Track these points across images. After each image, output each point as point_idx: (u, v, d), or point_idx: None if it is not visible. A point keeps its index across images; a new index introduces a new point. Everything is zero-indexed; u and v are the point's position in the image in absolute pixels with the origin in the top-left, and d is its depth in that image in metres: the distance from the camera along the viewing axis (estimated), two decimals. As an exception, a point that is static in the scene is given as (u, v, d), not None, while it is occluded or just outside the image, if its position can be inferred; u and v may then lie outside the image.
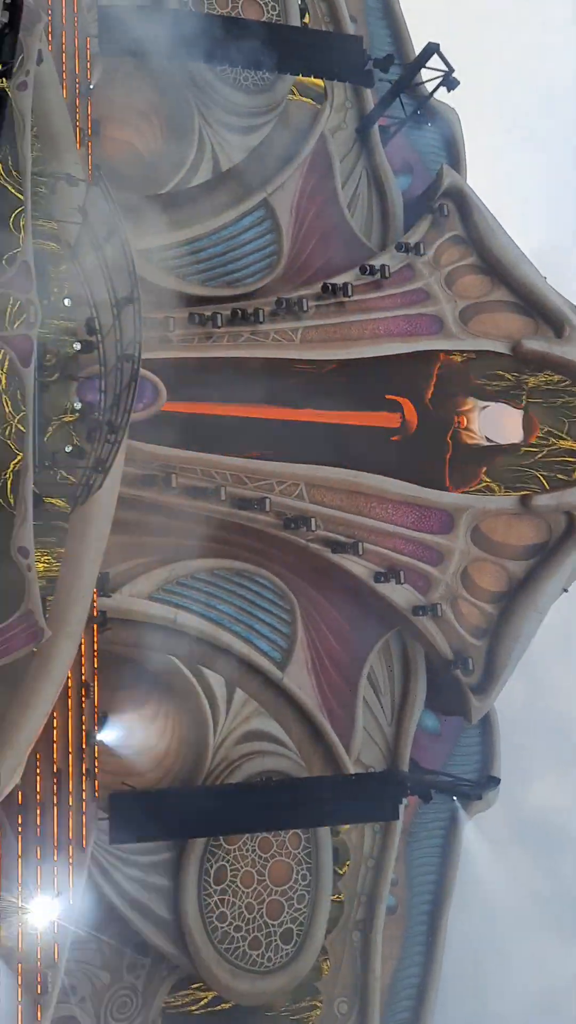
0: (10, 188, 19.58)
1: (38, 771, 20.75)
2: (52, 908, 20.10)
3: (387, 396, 27.39)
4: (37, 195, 20.50)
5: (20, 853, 19.89)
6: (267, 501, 24.44)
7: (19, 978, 19.69)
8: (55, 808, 20.92)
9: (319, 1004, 24.88)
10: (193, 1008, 23.92)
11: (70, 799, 21.35)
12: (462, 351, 28.08)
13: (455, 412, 27.97)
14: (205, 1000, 23.90)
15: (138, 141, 25.18)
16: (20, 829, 20.06)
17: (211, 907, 23.31)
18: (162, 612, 23.76)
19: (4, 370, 20.46)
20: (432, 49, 26.96)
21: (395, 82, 27.78)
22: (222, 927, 23.38)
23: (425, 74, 27.95)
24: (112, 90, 24.15)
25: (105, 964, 23.15)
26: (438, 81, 27.97)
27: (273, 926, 23.91)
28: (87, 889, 21.48)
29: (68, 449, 21.42)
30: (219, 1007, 23.92)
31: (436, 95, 28.68)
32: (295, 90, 27.61)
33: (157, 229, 24.73)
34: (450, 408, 27.93)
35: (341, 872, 25.35)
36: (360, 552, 25.25)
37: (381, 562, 25.71)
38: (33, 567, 18.50)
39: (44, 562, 21.48)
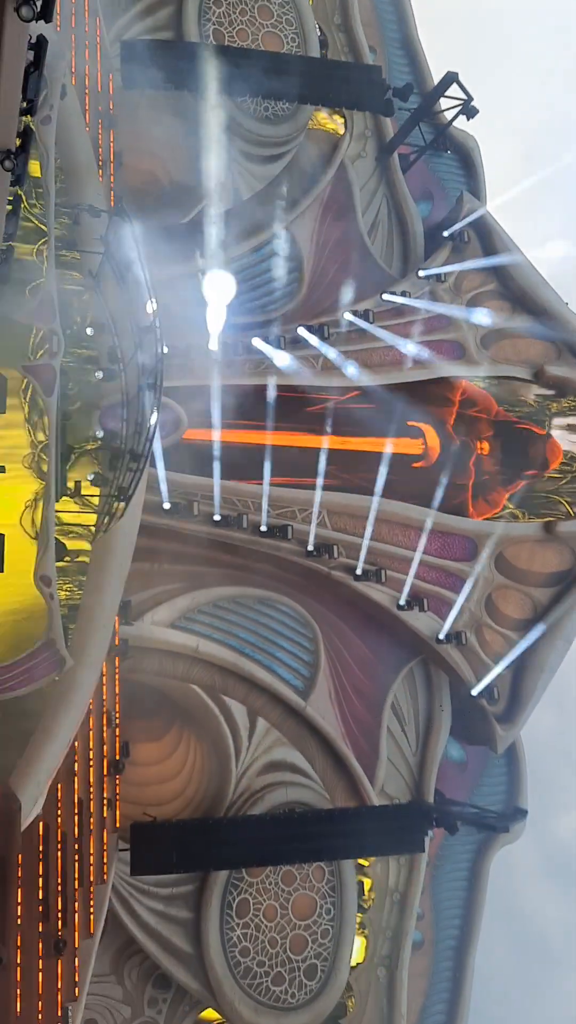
0: (34, 220, 19.81)
1: (59, 801, 20.57)
2: (73, 940, 19.84)
3: (409, 423, 27.31)
4: (60, 226, 20.73)
5: (41, 884, 19.65)
6: (289, 528, 24.36)
7: (40, 1006, 19.33)
8: (76, 839, 20.72)
9: (344, 1042, 24.39)
10: (215, 1044, 23.51)
11: (91, 829, 21.15)
12: (484, 377, 28.03)
13: (477, 438, 27.85)
14: (228, 1036, 23.46)
15: (159, 171, 25.41)
16: (41, 859, 19.84)
17: (233, 941, 22.95)
18: (184, 640, 23.65)
19: (27, 399, 20.61)
20: (451, 78, 27.11)
21: (414, 111, 27.95)
22: (245, 962, 23.00)
23: (444, 103, 28.07)
24: (134, 122, 24.41)
25: (126, 998, 22.83)
26: (457, 110, 28.07)
27: (297, 961, 23.49)
28: (108, 921, 21.20)
29: (90, 477, 21.45)
30: (242, 1044, 23.45)
31: (455, 123, 28.78)
32: (315, 120, 27.86)
33: (178, 258, 24.89)
34: (472, 434, 27.82)
35: (366, 906, 24.91)
36: (383, 580, 25.06)
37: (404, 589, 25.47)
38: (55, 595, 18.45)
39: (66, 590, 21.48)
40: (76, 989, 19.87)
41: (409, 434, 27.34)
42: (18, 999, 18.23)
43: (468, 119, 28.18)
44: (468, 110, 27.91)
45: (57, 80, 19.21)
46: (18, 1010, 18.31)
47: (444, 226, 28.82)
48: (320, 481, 25.00)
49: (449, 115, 28.57)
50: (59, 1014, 19.51)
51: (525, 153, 45.78)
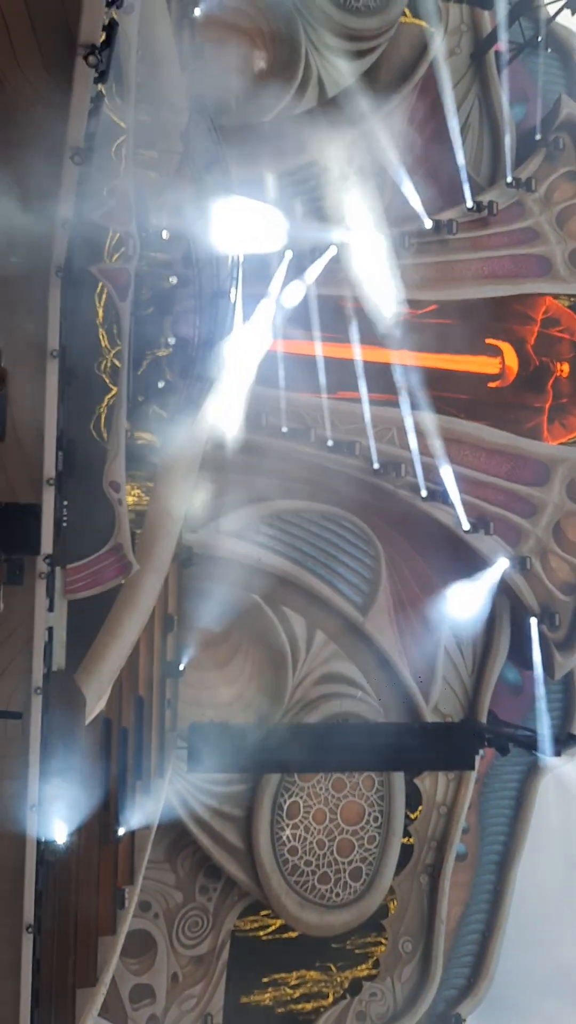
0: (113, 116, 19.24)
1: (122, 699, 21.33)
2: (130, 828, 20.89)
3: (487, 340, 26.49)
4: (138, 123, 20.12)
5: (108, 778, 20.51)
6: (357, 445, 24.08)
7: (100, 889, 20.43)
8: (137, 735, 21.52)
9: (384, 941, 25.36)
10: (261, 933, 24.68)
11: (153, 727, 21.92)
12: (570, 295, 26.93)
13: (558, 359, 26.95)
14: (273, 927, 24.61)
15: (242, 67, 24.34)
16: (103, 752, 20.69)
17: (283, 840, 23.81)
18: (247, 550, 23.83)
19: (102, 303, 20.46)
20: (558, -33, 25.28)
21: (515, 4, 26.15)
22: (292, 860, 23.90)
23: (548, -5, 26.26)
24: (217, 14, 23.35)
25: (179, 884, 23.98)
26: (562, 3, 26.23)
27: (343, 863, 24.33)
28: (164, 813, 22.14)
29: (161, 385, 21.41)
30: (286, 935, 24.61)
31: (558, 19, 26.91)
32: (408, 12, 26.25)
33: (259, 159, 24.09)
34: (553, 355, 26.92)
35: (413, 816, 25.52)
36: (449, 500, 24.75)
37: (471, 511, 25.13)
38: (124, 501, 18.72)
39: (134, 495, 21.75)
40: (132, 874, 20.98)
41: (487, 352, 26.56)
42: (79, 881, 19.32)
43: (573, 14, 26.36)
44: (573, 4, 26.09)
45: (141, -34, 18.37)
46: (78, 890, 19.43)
47: (539, 130, 27.30)
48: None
49: (552, 9, 26.73)
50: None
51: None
